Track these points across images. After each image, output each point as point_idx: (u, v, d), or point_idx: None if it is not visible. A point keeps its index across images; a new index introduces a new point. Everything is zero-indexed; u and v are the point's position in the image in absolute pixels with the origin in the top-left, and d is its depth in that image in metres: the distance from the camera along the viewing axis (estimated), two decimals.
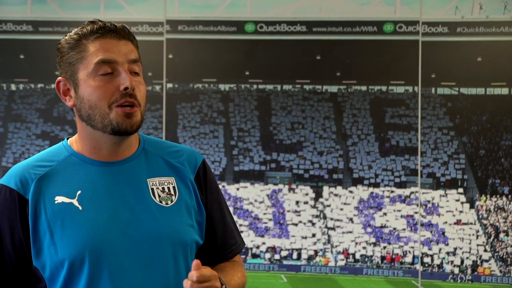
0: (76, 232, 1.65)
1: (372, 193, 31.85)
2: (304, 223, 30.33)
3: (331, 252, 28.87)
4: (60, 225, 1.65)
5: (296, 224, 30.27)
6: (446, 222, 29.92)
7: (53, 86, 36.06)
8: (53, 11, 27.56)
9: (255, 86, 37.03)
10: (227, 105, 36.36)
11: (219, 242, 1.82)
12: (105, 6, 27.72)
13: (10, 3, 28.90)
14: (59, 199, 1.67)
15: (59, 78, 1.73)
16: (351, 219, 30.42)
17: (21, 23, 27.25)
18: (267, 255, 28.71)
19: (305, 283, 25.87)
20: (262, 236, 29.47)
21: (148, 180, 1.73)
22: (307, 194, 31.82)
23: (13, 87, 36.93)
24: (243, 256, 28.47)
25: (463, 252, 28.23)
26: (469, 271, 27.33)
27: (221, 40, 28.32)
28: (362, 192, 31.94)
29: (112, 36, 1.68)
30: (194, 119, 35.62)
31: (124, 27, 1.71)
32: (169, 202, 1.73)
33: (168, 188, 1.74)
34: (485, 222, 29.66)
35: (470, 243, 28.67)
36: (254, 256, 28.72)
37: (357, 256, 28.53)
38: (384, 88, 36.40)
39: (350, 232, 29.74)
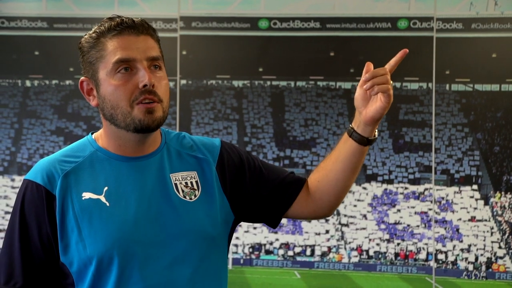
0: (104, 228, 1.65)
1: (386, 189, 31.77)
2: (318, 220, 30.30)
3: (345, 248, 28.83)
4: (88, 221, 1.66)
5: (309, 221, 30.25)
6: (460, 219, 29.80)
7: (67, 82, 36.56)
8: (68, 7, 27.66)
9: (268, 83, 37.00)
10: (241, 101, 36.36)
11: (282, 183, 1.84)
12: (119, 3, 27.77)
13: None
14: (87, 195, 1.67)
15: (82, 78, 1.73)
16: (364, 216, 30.36)
17: (36, 19, 27.35)
18: (281, 252, 28.71)
19: (318, 280, 25.83)
20: (276, 232, 29.46)
21: (171, 175, 1.73)
22: None
23: (28, 83, 37.11)
24: (256, 253, 28.50)
25: (477, 249, 28.10)
26: (483, 268, 27.20)
27: (235, 37, 28.30)
28: (375, 188, 31.86)
29: (130, 33, 1.67)
30: (208, 116, 35.65)
31: (143, 21, 1.69)
32: (192, 197, 1.73)
33: (191, 183, 1.74)
34: (499, 218, 29.51)
35: (484, 240, 28.54)
36: (268, 252, 28.73)
37: (371, 253, 28.47)
38: (398, 84, 36.25)
39: (364, 228, 29.69)
